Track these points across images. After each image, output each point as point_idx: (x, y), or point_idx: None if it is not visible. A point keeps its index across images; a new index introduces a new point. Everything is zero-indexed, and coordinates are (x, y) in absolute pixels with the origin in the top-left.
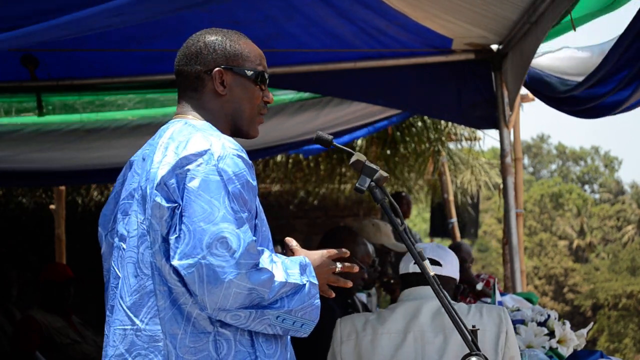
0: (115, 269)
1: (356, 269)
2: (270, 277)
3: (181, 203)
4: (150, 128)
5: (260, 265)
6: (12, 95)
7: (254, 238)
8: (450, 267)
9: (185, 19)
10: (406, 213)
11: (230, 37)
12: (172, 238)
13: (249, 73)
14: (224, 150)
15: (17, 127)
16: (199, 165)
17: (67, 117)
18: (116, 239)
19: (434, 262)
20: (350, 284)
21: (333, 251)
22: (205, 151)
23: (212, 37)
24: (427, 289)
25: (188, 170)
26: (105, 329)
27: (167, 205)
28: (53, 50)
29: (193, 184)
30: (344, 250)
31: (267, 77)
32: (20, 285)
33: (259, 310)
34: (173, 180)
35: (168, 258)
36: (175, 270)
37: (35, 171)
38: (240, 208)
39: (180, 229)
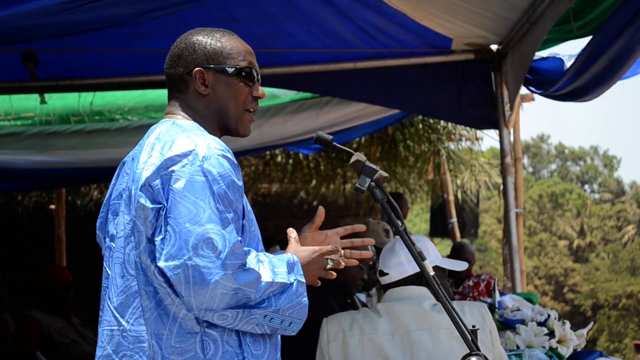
0: (107, 268)
1: (342, 265)
2: (257, 277)
3: (166, 204)
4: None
5: (247, 266)
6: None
7: (240, 238)
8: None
9: (186, 17)
10: (404, 213)
11: (213, 35)
12: (158, 239)
13: (230, 70)
14: (209, 150)
15: (19, 130)
16: (183, 166)
17: (67, 103)
18: (107, 239)
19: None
20: (334, 275)
21: (325, 248)
22: (190, 152)
23: (194, 38)
24: (408, 289)
25: (173, 171)
26: (98, 329)
27: (151, 206)
28: (53, 50)
29: (178, 185)
30: (336, 247)
31: (253, 71)
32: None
33: (246, 310)
34: (158, 182)
35: (153, 259)
36: (161, 271)
37: (38, 173)
38: (225, 208)
39: (165, 230)
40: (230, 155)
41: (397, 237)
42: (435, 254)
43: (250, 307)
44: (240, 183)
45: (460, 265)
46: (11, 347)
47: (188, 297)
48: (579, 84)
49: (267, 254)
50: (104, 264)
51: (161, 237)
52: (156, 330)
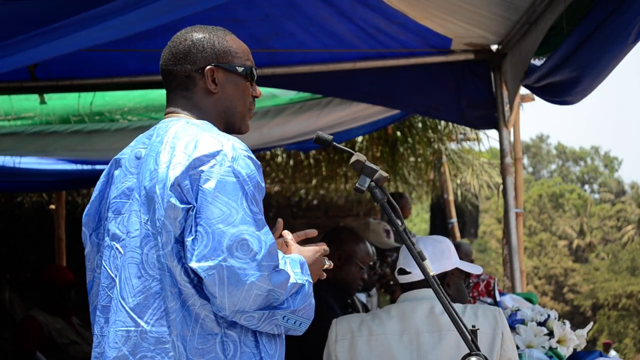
0: (107, 268)
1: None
2: (287, 278)
3: (195, 204)
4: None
5: (279, 267)
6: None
7: (275, 240)
8: (446, 262)
9: (185, 17)
10: (406, 213)
11: (217, 34)
12: (189, 240)
13: (240, 69)
14: (236, 151)
15: (19, 130)
16: (212, 167)
17: (67, 103)
18: (107, 238)
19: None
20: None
21: (322, 248)
22: (218, 152)
23: (199, 35)
24: (424, 291)
25: (202, 171)
26: (98, 330)
27: (181, 206)
28: None
29: (208, 186)
30: (325, 246)
31: (255, 72)
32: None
33: (270, 311)
34: (187, 182)
35: (180, 259)
36: (186, 272)
37: (38, 174)
38: (257, 209)
39: (196, 231)
40: (253, 156)
41: (419, 236)
42: (456, 256)
43: (274, 308)
44: (263, 184)
45: (477, 269)
46: (16, 332)
47: (222, 298)
48: (555, 80)
49: (284, 254)
50: (104, 264)
51: (192, 237)
52: (181, 331)
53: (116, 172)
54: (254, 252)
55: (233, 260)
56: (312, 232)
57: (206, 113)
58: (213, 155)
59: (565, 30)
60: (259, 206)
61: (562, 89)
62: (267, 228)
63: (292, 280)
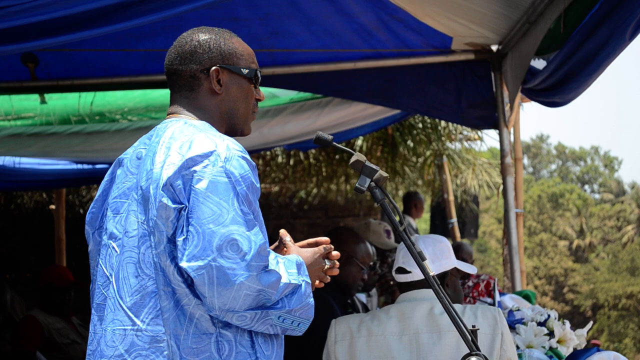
0: (103, 267)
1: (336, 266)
2: (278, 278)
3: (187, 204)
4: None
5: (269, 267)
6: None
7: (265, 240)
8: (446, 262)
9: (185, 16)
10: (421, 212)
11: (223, 35)
12: (180, 240)
13: (245, 71)
14: (229, 151)
15: (19, 130)
16: (205, 167)
17: (68, 103)
18: (105, 237)
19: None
20: (336, 272)
21: (321, 248)
22: (211, 152)
23: (206, 36)
24: (423, 291)
25: (194, 171)
26: (92, 327)
27: (173, 206)
28: (53, 50)
29: (200, 186)
30: (330, 246)
31: (259, 75)
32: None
33: (263, 311)
34: (179, 182)
35: (173, 259)
36: (179, 271)
37: (38, 173)
38: (248, 210)
39: (187, 231)
40: (248, 157)
41: (419, 235)
42: (454, 255)
43: (267, 308)
44: (258, 185)
45: (472, 269)
46: (16, 332)
47: (211, 298)
48: (553, 81)
49: (279, 255)
50: (100, 262)
51: (183, 237)
52: (174, 330)
53: (118, 172)
54: (244, 252)
55: (222, 260)
56: (325, 240)
57: (208, 114)
58: (206, 155)
59: (562, 30)
60: (253, 207)
61: (556, 89)
62: (257, 228)
63: (284, 280)
